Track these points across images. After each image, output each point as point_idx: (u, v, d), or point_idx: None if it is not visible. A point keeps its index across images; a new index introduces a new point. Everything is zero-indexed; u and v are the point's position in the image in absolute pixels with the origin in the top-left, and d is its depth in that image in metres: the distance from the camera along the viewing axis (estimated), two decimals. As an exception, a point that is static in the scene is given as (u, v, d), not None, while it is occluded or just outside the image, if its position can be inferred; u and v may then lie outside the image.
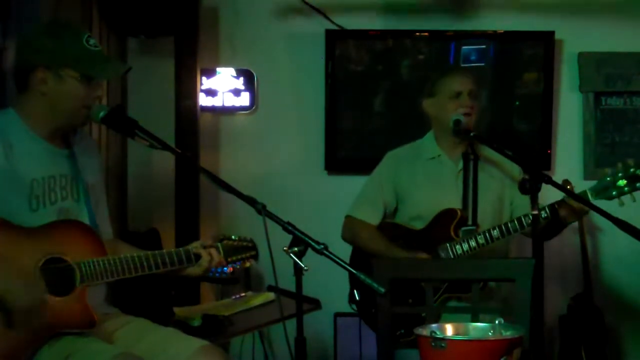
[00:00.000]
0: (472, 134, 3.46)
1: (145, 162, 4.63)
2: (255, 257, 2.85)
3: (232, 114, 4.72)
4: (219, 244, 2.79)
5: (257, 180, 4.50)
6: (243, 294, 3.70)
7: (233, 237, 2.84)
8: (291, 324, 2.37)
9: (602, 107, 4.74)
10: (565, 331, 4.48)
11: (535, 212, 2.91)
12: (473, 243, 3.40)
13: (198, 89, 4.48)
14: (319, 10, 4.61)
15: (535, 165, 3.26)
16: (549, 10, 4.65)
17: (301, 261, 2.29)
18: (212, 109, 4.67)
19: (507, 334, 2.30)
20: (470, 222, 3.48)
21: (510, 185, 3.57)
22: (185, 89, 4.43)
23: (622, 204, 3.23)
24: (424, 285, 2.95)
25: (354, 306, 3.61)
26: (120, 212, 4.52)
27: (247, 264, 2.86)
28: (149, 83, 4.56)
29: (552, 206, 3.31)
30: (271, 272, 2.32)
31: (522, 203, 3.39)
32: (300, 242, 2.31)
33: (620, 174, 3.26)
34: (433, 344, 2.23)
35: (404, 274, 3.00)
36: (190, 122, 4.44)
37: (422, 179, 3.59)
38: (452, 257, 3.40)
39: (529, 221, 3.27)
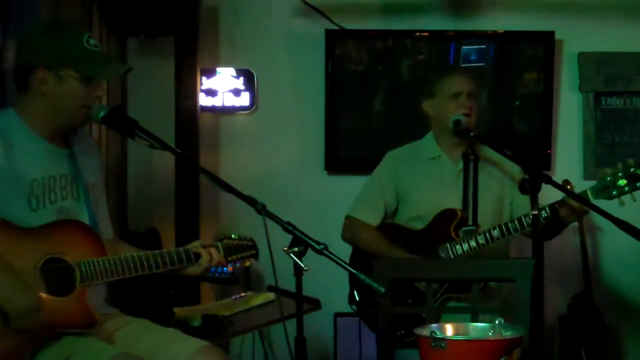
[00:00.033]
0: (472, 134, 3.46)
1: (145, 162, 4.63)
2: (256, 256, 2.85)
3: (232, 114, 4.72)
4: (219, 243, 2.79)
5: (257, 180, 4.50)
6: (243, 294, 3.70)
7: (233, 236, 2.84)
8: (291, 324, 2.37)
9: (602, 107, 4.74)
10: (565, 331, 4.48)
11: (535, 212, 2.91)
12: (473, 243, 3.40)
13: (198, 89, 4.47)
14: (319, 10, 4.61)
15: (535, 165, 3.26)
16: (549, 10, 4.65)
17: (301, 261, 2.29)
18: (212, 109, 4.67)
19: (507, 334, 2.30)
20: (470, 222, 3.48)
21: (510, 185, 3.57)
22: (185, 89, 4.43)
23: (622, 203, 3.23)
24: (424, 285, 2.95)
25: (354, 307, 3.61)
26: (120, 212, 4.52)
27: (247, 263, 2.86)
28: (149, 83, 4.55)
29: (552, 206, 3.31)
30: (271, 272, 2.32)
31: (522, 203, 3.39)
32: (300, 242, 2.31)
33: (620, 174, 3.26)
34: (433, 344, 2.23)
35: (404, 274, 3.00)
36: (190, 122, 4.44)
37: (422, 179, 3.59)
38: (452, 257, 3.40)
39: (530, 221, 3.27)
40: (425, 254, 3.43)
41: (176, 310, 3.39)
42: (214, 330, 3.15)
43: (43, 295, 2.41)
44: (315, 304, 3.44)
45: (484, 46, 4.62)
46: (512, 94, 4.68)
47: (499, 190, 3.59)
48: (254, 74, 4.67)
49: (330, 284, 3.69)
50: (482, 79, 4.50)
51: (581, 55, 4.69)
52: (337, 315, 4.36)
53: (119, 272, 2.55)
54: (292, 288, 2.34)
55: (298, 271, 2.29)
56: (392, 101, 4.64)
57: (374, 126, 4.67)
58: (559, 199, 3.30)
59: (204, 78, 4.59)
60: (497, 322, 2.34)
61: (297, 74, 4.69)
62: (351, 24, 4.62)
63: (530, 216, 3.03)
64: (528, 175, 2.96)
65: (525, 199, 3.03)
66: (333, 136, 4.62)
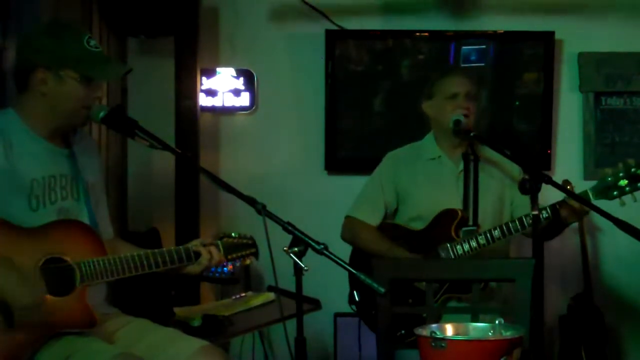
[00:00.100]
0: (472, 134, 3.46)
1: (145, 162, 4.63)
2: (256, 254, 2.85)
3: (232, 114, 4.72)
4: (219, 242, 2.78)
5: (257, 180, 4.50)
6: (243, 294, 3.69)
7: (233, 234, 2.84)
8: (291, 324, 2.37)
9: (602, 107, 4.74)
10: (565, 331, 4.48)
11: (536, 212, 2.91)
12: (474, 243, 3.40)
13: (198, 89, 4.47)
14: (319, 10, 4.61)
15: (535, 165, 3.26)
16: (549, 10, 4.65)
17: (301, 261, 2.29)
18: (212, 109, 4.67)
19: (507, 334, 2.30)
20: (470, 223, 3.47)
21: (511, 186, 3.57)
22: (185, 89, 4.43)
23: (623, 204, 3.23)
24: (425, 285, 2.95)
25: (354, 307, 3.61)
26: (120, 212, 4.52)
27: (247, 262, 2.86)
28: (149, 83, 4.55)
29: (553, 206, 3.31)
30: (271, 272, 2.32)
31: (523, 203, 3.39)
32: (300, 242, 2.30)
33: (621, 174, 3.26)
34: (433, 344, 2.23)
35: (404, 274, 3.00)
36: (190, 122, 4.44)
37: (423, 179, 3.59)
38: (452, 257, 3.40)
39: (530, 221, 3.27)
40: (425, 254, 3.43)
41: (176, 310, 3.39)
42: (214, 330, 3.15)
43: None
44: (315, 304, 3.43)
45: (483, 46, 4.62)
46: (512, 94, 4.68)
47: (499, 191, 3.59)
48: (254, 74, 4.67)
49: (330, 284, 3.69)
50: (482, 79, 4.50)
51: (581, 55, 4.69)
52: (337, 315, 4.36)
53: (119, 272, 2.55)
54: (292, 288, 2.34)
55: (298, 271, 2.29)
56: (392, 101, 4.64)
57: (374, 126, 4.66)
58: (560, 200, 3.30)
59: (204, 78, 4.59)
60: (497, 322, 2.34)
61: (297, 74, 4.69)
62: (351, 24, 4.62)
63: (531, 216, 3.03)
64: (528, 175, 2.96)
65: (526, 199, 3.03)
66: (333, 136, 4.62)
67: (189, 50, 4.43)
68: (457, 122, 3.46)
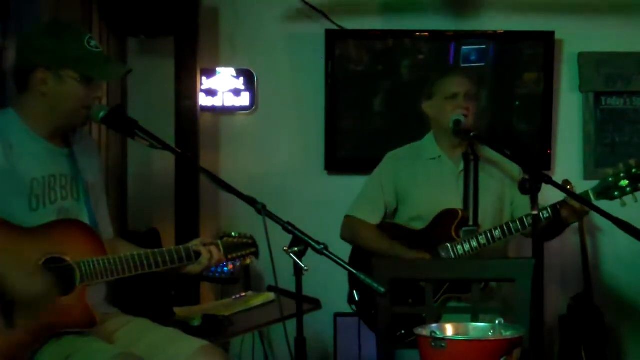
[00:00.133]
0: (472, 134, 3.46)
1: (145, 162, 4.63)
2: (256, 254, 2.85)
3: (232, 114, 4.72)
4: (219, 241, 2.78)
5: (257, 180, 4.50)
6: (243, 294, 3.69)
7: (233, 234, 2.84)
8: (291, 324, 2.37)
9: (602, 107, 4.74)
10: (565, 331, 4.48)
11: (536, 212, 2.91)
12: (474, 243, 3.40)
13: (198, 89, 4.47)
14: (319, 10, 4.61)
15: (535, 165, 3.26)
16: (549, 10, 4.65)
17: (301, 261, 2.29)
18: (212, 109, 4.67)
19: (507, 334, 2.30)
20: (471, 223, 3.47)
21: (511, 186, 3.57)
22: (185, 89, 4.43)
23: (624, 204, 3.24)
24: (424, 285, 2.95)
25: (354, 307, 3.61)
26: (120, 212, 4.52)
27: (248, 261, 2.86)
28: (149, 83, 4.55)
29: (554, 206, 3.31)
30: (271, 272, 2.32)
31: (523, 203, 3.39)
32: (300, 242, 2.30)
33: (622, 174, 3.26)
34: (433, 344, 2.23)
35: (404, 274, 3.00)
36: (190, 122, 4.44)
37: (423, 179, 3.59)
38: (453, 257, 3.40)
39: (531, 221, 3.27)
40: (425, 254, 3.44)
41: (176, 310, 3.39)
42: (214, 330, 3.14)
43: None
44: (315, 304, 3.43)
45: (483, 46, 4.62)
46: (512, 94, 4.68)
47: (499, 191, 3.59)
48: (254, 74, 4.67)
49: (330, 284, 3.69)
50: (482, 79, 4.50)
51: (581, 55, 4.69)
52: (337, 315, 4.36)
53: (118, 271, 2.55)
54: (292, 288, 2.34)
55: (298, 271, 2.29)
56: (392, 101, 4.64)
57: (374, 126, 4.66)
58: (561, 200, 3.30)
59: (204, 78, 4.59)
60: (497, 322, 2.34)
61: (297, 74, 4.69)
62: (351, 24, 4.62)
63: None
64: (528, 175, 2.96)
65: (526, 199, 3.03)
66: (333, 136, 4.62)
67: (189, 50, 4.43)
68: (457, 122, 3.46)
